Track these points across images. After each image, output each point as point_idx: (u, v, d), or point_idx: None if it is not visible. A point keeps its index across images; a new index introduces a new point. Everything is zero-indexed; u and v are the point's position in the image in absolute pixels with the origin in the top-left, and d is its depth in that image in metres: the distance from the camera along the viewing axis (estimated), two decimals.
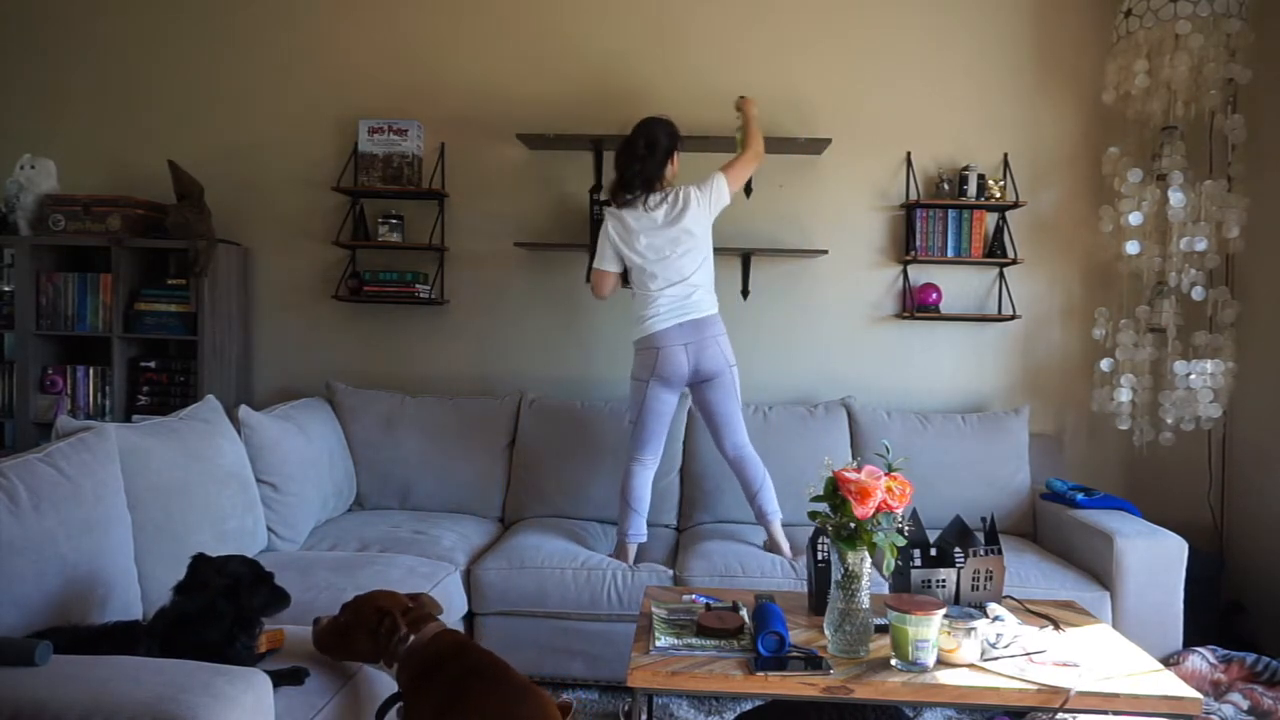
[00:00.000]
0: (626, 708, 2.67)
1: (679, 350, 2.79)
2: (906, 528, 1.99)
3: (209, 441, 2.49)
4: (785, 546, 2.84)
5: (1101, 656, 1.98)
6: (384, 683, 2.07)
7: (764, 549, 2.88)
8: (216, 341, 3.44)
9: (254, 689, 1.45)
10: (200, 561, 1.81)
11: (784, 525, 2.92)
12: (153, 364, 3.47)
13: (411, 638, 1.80)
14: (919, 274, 3.56)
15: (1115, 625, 2.69)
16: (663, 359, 2.78)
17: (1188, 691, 1.82)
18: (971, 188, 3.42)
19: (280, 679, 1.70)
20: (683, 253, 2.82)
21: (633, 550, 2.85)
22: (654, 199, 2.83)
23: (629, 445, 2.92)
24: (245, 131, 3.69)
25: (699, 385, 2.86)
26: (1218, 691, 2.64)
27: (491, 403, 3.43)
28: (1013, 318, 3.50)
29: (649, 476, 2.91)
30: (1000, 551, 2.25)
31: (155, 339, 3.47)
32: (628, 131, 3.45)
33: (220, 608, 1.74)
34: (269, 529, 2.73)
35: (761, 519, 2.89)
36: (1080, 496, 3.02)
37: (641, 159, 2.83)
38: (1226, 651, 2.76)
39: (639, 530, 2.87)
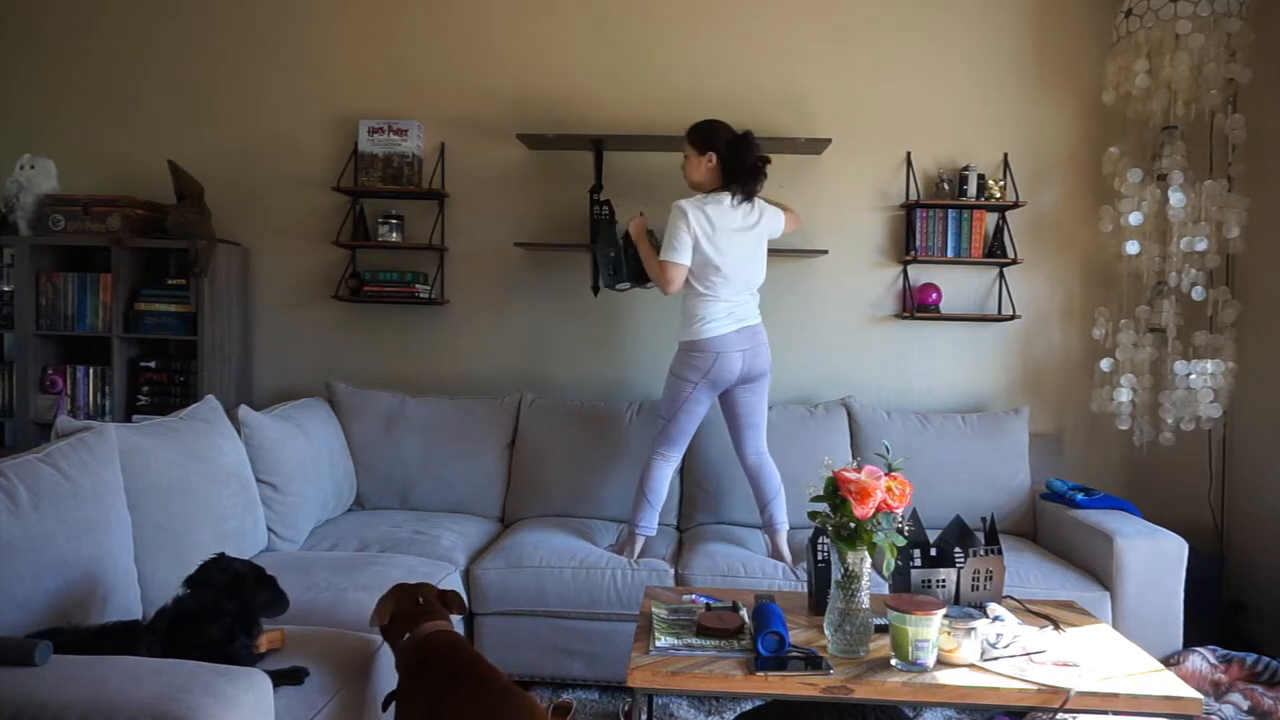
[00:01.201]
0: (626, 708, 2.67)
1: (737, 356, 2.79)
2: (906, 528, 1.99)
3: (209, 441, 2.49)
4: (789, 557, 2.84)
5: (1101, 656, 1.98)
6: (384, 683, 2.08)
7: (767, 557, 2.87)
8: (216, 341, 3.44)
9: (254, 689, 1.45)
10: (211, 561, 1.82)
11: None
12: (153, 364, 3.47)
13: (407, 634, 1.83)
14: (919, 274, 3.56)
15: (1115, 625, 2.69)
16: (721, 363, 2.78)
17: (1188, 691, 1.82)
18: (971, 188, 3.42)
19: (280, 679, 1.70)
20: (757, 261, 2.86)
21: (639, 544, 2.85)
22: (736, 199, 2.82)
23: (656, 441, 2.90)
24: (245, 131, 3.69)
25: (738, 387, 2.86)
26: (1218, 691, 2.64)
27: (491, 403, 3.43)
28: (1013, 318, 3.50)
29: (670, 472, 2.92)
30: (1000, 551, 2.25)
31: (155, 339, 3.47)
32: (628, 131, 3.49)
33: (223, 606, 1.75)
34: (269, 529, 2.73)
35: (769, 528, 2.89)
36: (1080, 496, 3.02)
37: (756, 156, 2.82)
38: (1226, 651, 2.75)
39: (650, 524, 2.87)
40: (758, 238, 2.85)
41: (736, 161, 2.79)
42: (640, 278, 3.04)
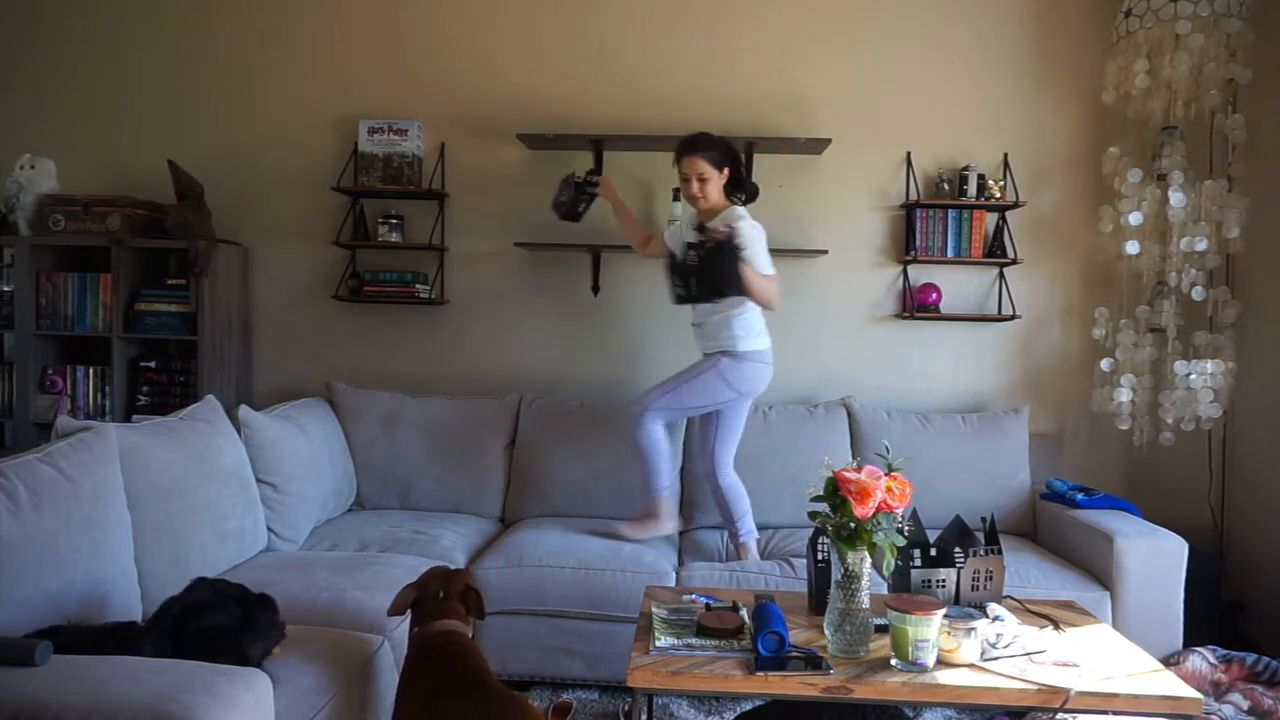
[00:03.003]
0: (626, 708, 2.67)
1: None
2: (906, 528, 1.99)
3: (209, 441, 2.49)
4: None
5: (1101, 656, 1.98)
6: (384, 683, 2.08)
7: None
8: (216, 341, 3.44)
9: (254, 689, 1.46)
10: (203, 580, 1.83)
11: (784, 527, 2.93)
12: (153, 364, 3.47)
13: (416, 629, 1.85)
14: (919, 274, 3.56)
15: (1115, 625, 2.69)
16: (768, 376, 2.84)
17: (1188, 691, 1.82)
18: (971, 188, 3.42)
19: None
20: None
21: (664, 505, 2.88)
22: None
23: (654, 403, 2.81)
24: (245, 131, 3.69)
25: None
26: (1218, 691, 2.64)
27: (491, 403, 3.43)
28: (1013, 318, 3.50)
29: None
30: (1000, 551, 2.25)
31: (155, 339, 3.47)
32: (628, 132, 3.49)
33: (230, 607, 1.75)
34: (269, 529, 2.73)
35: (741, 543, 2.93)
36: (1080, 496, 3.02)
37: None
38: (1226, 651, 2.75)
39: (670, 479, 2.92)
40: None
41: (743, 173, 2.82)
42: (717, 293, 2.69)
